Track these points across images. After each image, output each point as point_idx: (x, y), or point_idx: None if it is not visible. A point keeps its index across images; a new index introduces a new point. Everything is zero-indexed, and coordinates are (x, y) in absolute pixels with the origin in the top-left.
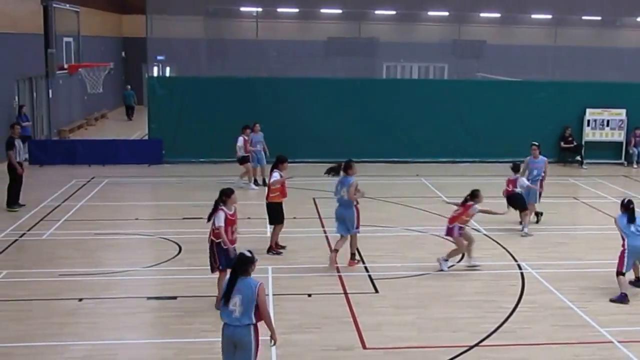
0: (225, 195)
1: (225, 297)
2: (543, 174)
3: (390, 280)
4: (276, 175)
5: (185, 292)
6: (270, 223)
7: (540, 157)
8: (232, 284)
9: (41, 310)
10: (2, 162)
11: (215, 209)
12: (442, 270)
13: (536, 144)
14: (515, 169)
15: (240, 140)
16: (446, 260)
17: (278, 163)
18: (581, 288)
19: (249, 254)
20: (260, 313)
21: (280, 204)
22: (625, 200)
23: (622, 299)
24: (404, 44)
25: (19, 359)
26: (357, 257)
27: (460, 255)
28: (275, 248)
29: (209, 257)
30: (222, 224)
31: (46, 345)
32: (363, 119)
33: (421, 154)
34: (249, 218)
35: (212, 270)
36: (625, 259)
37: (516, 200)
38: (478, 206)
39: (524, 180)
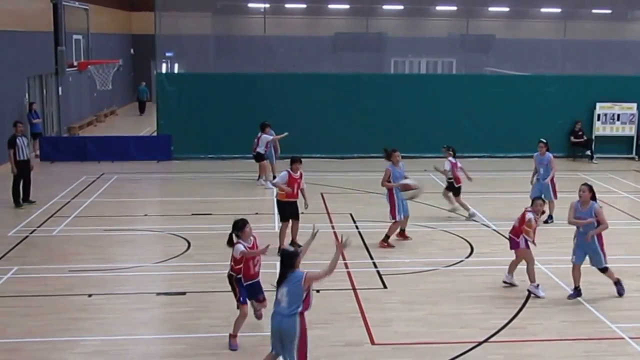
0: (237, 229)
1: (276, 290)
2: (552, 171)
3: (399, 276)
4: (284, 175)
5: (195, 287)
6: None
7: (547, 154)
8: (282, 280)
9: (52, 306)
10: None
11: (230, 241)
12: (538, 296)
13: (544, 140)
14: None
15: (268, 138)
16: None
17: (291, 163)
18: (591, 284)
19: (292, 249)
20: (321, 275)
21: (285, 202)
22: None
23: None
24: (411, 38)
25: (30, 354)
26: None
27: (469, 251)
28: (296, 242)
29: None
30: (243, 249)
31: (57, 341)
32: (371, 115)
33: (430, 149)
34: (256, 213)
35: (237, 306)
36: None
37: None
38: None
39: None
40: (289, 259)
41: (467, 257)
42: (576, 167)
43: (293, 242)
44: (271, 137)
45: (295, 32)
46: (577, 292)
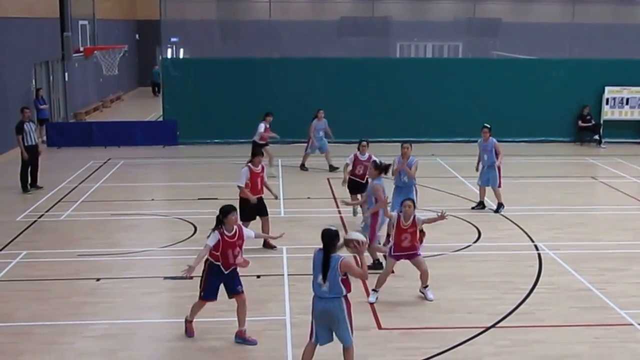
0: (222, 214)
1: (322, 273)
2: (498, 157)
3: (405, 261)
4: (245, 173)
5: (201, 272)
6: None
7: (491, 139)
8: (327, 261)
9: (60, 290)
10: (17, 147)
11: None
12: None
13: (487, 126)
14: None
15: (261, 127)
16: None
17: (252, 157)
18: (600, 269)
19: (334, 229)
20: (357, 275)
21: (248, 200)
22: None
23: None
24: (417, 22)
25: (39, 338)
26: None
27: (477, 236)
28: (269, 243)
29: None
30: (211, 244)
31: (65, 324)
32: (377, 99)
33: (436, 133)
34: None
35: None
36: None
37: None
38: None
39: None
40: (331, 239)
41: (475, 242)
42: (584, 151)
43: (266, 243)
44: (264, 127)
45: (300, 17)
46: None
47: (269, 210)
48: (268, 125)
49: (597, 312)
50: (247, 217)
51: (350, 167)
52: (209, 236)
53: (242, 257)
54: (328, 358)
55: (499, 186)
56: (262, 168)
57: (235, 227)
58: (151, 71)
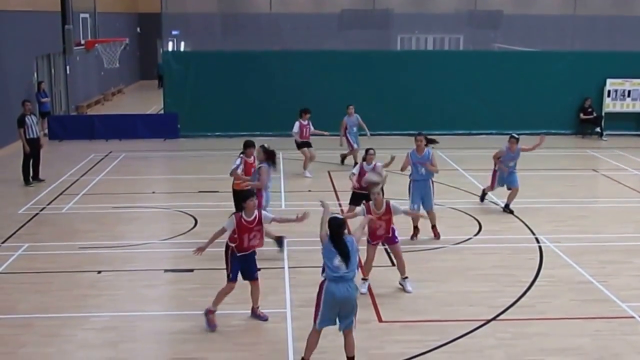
0: (242, 201)
1: (346, 260)
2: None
3: (407, 253)
4: (238, 162)
5: (202, 264)
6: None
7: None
8: (338, 246)
9: (62, 283)
10: (19, 140)
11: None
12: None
13: (516, 137)
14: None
15: (296, 126)
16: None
17: (245, 149)
18: (601, 262)
19: (340, 217)
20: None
21: (241, 191)
22: None
23: None
24: (418, 15)
25: (40, 330)
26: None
27: (478, 229)
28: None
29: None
30: (227, 227)
31: (67, 317)
32: (378, 92)
33: (437, 126)
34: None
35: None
36: None
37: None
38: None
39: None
40: (339, 227)
41: (476, 234)
42: (585, 144)
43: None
44: (299, 126)
45: (301, 10)
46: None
47: (272, 203)
48: (306, 122)
49: (598, 305)
50: (240, 207)
51: (355, 178)
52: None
53: (256, 242)
54: (330, 350)
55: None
56: (254, 159)
57: (255, 212)
58: (158, 64)
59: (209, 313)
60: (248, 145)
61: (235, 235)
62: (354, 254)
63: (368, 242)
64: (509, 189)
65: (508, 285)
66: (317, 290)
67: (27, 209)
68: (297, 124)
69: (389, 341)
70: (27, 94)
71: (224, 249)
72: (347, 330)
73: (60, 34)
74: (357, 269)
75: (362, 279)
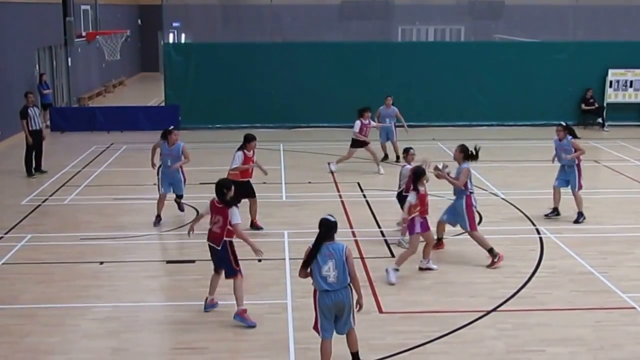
0: (227, 189)
1: (316, 265)
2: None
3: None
4: (239, 156)
5: (203, 256)
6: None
7: (567, 137)
8: (316, 251)
9: (64, 273)
10: (22, 131)
11: (225, 204)
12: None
13: (563, 124)
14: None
15: (356, 126)
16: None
17: (245, 141)
18: (602, 253)
19: (332, 219)
20: (350, 275)
21: (238, 182)
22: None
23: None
24: (419, 6)
25: (43, 320)
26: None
27: (478, 220)
28: (256, 224)
29: (223, 259)
30: (240, 221)
31: (69, 307)
32: (378, 83)
33: (437, 117)
34: (264, 183)
35: (233, 275)
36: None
37: None
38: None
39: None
40: (330, 229)
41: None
42: (587, 135)
43: (253, 224)
44: (357, 128)
45: (301, 1)
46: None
47: (271, 194)
48: (367, 122)
49: (599, 296)
50: (240, 198)
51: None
52: (232, 215)
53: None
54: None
55: (579, 188)
56: (254, 152)
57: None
58: None
59: (243, 313)
60: (249, 139)
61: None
62: (340, 262)
63: (420, 232)
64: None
65: (509, 276)
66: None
67: (29, 200)
68: (357, 122)
69: (390, 332)
70: (28, 85)
71: (224, 248)
72: (349, 330)
73: (61, 26)
74: (347, 279)
75: (395, 269)
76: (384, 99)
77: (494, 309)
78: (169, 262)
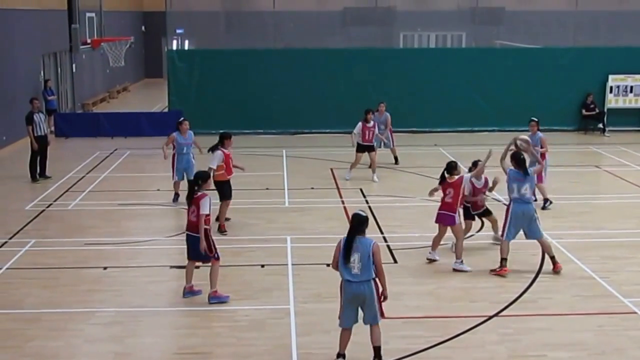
0: (202, 180)
1: (345, 256)
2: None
3: (409, 250)
4: (219, 155)
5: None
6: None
7: (538, 132)
8: (351, 243)
9: (68, 278)
10: (26, 137)
11: (195, 192)
12: (465, 271)
13: (535, 119)
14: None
15: (357, 127)
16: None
17: (223, 140)
18: (603, 257)
19: (363, 214)
20: (377, 269)
21: (226, 181)
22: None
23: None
24: (421, 12)
25: (47, 324)
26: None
27: (480, 225)
28: (223, 227)
29: (199, 247)
30: (207, 212)
31: (73, 312)
32: (380, 89)
33: (439, 123)
34: (266, 189)
35: (208, 260)
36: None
37: None
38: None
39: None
40: (361, 224)
41: (478, 231)
42: (588, 140)
43: (220, 227)
44: (358, 129)
45: (304, 7)
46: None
47: (274, 200)
48: (370, 125)
49: (601, 300)
50: (227, 197)
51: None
52: (202, 206)
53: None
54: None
55: (540, 182)
56: (230, 150)
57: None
58: None
59: (215, 293)
60: (226, 137)
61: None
62: (365, 256)
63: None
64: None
65: (510, 281)
66: (320, 286)
67: (34, 205)
68: (358, 124)
69: (392, 337)
70: (34, 91)
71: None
72: (372, 324)
73: (67, 33)
74: (373, 272)
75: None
76: (377, 105)
77: (496, 314)
78: (172, 267)
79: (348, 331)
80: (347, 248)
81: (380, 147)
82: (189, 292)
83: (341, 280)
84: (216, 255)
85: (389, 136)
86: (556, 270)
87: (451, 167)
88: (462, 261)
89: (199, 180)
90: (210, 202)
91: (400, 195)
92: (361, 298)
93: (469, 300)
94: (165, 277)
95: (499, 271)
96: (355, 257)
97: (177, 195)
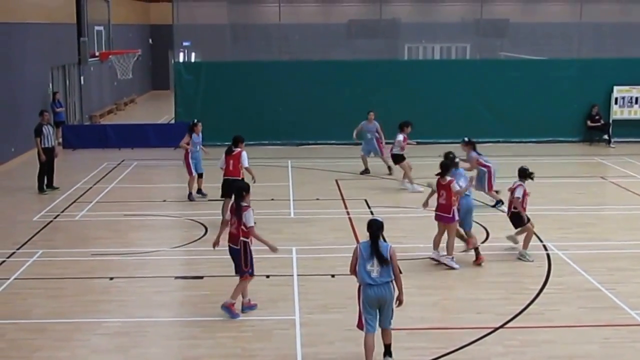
0: (246, 192)
1: (370, 259)
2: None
3: (414, 261)
4: (246, 155)
5: (212, 272)
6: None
7: (472, 152)
8: (375, 248)
9: (75, 288)
10: (34, 148)
11: (239, 206)
12: (453, 268)
13: (466, 139)
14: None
15: (399, 137)
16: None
17: (238, 142)
18: (610, 269)
19: (380, 219)
20: (394, 273)
21: (229, 180)
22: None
23: None
24: (425, 24)
25: (54, 334)
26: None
27: (485, 236)
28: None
29: (236, 258)
30: (252, 224)
31: (80, 322)
32: (385, 101)
33: (444, 134)
34: (272, 199)
35: (241, 275)
36: None
37: None
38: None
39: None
40: (379, 229)
41: (483, 242)
42: (593, 151)
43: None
44: (401, 138)
45: (309, 20)
46: None
47: (279, 211)
48: (406, 135)
49: (607, 312)
50: (229, 195)
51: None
52: (245, 216)
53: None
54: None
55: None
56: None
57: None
58: None
59: (232, 305)
60: (239, 140)
61: (247, 230)
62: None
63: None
64: None
65: (516, 293)
66: (325, 297)
67: (41, 216)
68: (400, 136)
69: (396, 348)
70: (42, 104)
71: (239, 248)
72: (385, 328)
73: (75, 46)
74: (390, 276)
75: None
76: (367, 114)
77: (501, 326)
78: (177, 277)
79: (372, 337)
80: (372, 252)
81: (370, 155)
82: (247, 307)
83: (359, 286)
84: (250, 271)
85: (376, 146)
86: (478, 262)
87: (443, 168)
88: (452, 258)
89: (242, 192)
90: (252, 214)
91: (405, 206)
92: (382, 301)
93: (474, 311)
94: (171, 288)
95: (469, 247)
96: (374, 261)
97: (191, 194)
